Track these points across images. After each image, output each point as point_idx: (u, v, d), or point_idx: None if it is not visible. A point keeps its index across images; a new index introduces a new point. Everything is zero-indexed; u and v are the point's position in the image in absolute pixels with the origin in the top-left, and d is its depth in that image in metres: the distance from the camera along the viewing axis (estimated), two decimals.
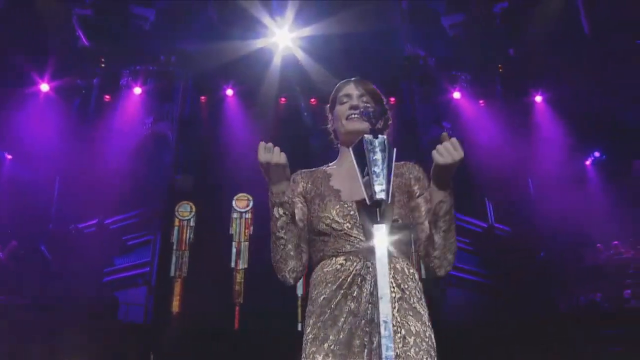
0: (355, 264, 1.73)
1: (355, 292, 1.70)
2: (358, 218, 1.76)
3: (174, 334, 8.60)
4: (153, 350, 7.87)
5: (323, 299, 1.72)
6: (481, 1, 10.35)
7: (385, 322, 1.32)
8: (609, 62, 9.74)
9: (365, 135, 1.50)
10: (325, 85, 10.52)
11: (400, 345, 1.61)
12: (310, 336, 1.68)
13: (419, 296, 1.75)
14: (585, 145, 11.92)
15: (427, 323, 1.70)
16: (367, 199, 1.45)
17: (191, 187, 10.56)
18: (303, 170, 2.06)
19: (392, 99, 11.69)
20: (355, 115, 1.91)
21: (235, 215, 10.88)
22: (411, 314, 1.69)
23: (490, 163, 9.77)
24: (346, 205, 1.80)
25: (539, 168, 11.39)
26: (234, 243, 10.62)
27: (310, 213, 1.85)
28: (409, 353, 1.60)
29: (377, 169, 1.45)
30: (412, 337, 1.64)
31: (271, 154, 1.86)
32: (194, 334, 8.68)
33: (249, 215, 10.91)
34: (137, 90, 10.73)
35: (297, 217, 1.87)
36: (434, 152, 1.75)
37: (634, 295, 9.29)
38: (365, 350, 1.62)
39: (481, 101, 11.53)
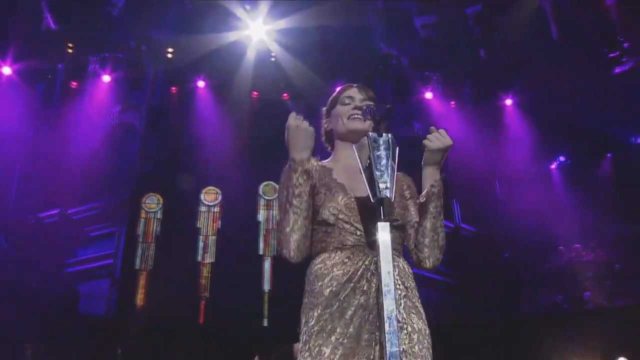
0: (363, 258, 1.74)
1: (365, 286, 1.70)
2: (360, 214, 1.78)
3: (137, 328, 8.55)
4: (115, 343, 7.80)
5: (330, 291, 1.70)
6: (453, 3, 10.54)
7: (389, 318, 1.36)
8: (576, 69, 10.07)
9: (370, 133, 1.53)
10: (299, 80, 10.61)
11: (406, 342, 1.66)
12: (316, 328, 1.66)
13: (418, 295, 1.80)
14: (551, 149, 12.27)
15: (426, 321, 1.76)
16: (370, 196, 1.47)
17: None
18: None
19: None
20: (358, 116, 1.92)
21: (203, 208, 10.87)
22: (414, 311, 1.73)
23: (459, 164, 9.97)
24: (353, 199, 1.80)
25: (506, 170, 11.69)
26: (201, 237, 10.61)
27: (314, 202, 1.81)
28: (414, 349, 1.65)
29: (381, 167, 1.48)
30: (416, 335, 1.68)
31: (301, 121, 1.83)
32: (158, 327, 8.66)
33: (217, 209, 10.90)
34: (106, 78, 10.56)
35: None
36: (425, 140, 1.85)
37: (593, 298, 9.66)
38: (373, 344, 1.63)
39: (452, 102, 11.75)
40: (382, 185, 1.45)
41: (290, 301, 9.11)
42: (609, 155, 12.32)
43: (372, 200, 1.48)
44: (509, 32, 10.33)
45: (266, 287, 10.43)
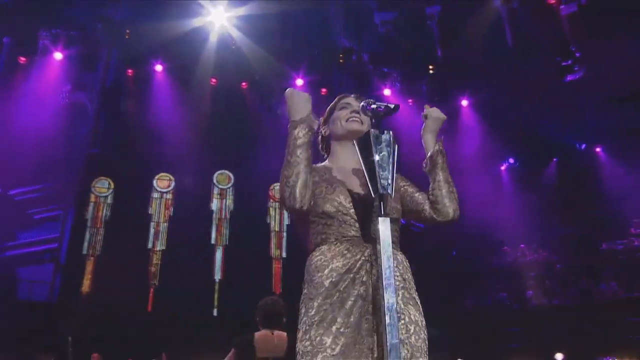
0: (362, 250, 1.81)
1: (364, 277, 1.76)
2: (358, 209, 1.86)
3: (82, 315, 8.47)
4: (59, 329, 7.72)
5: (330, 282, 1.76)
6: (413, 2, 10.80)
7: (389, 310, 1.42)
8: (530, 75, 10.55)
9: (372, 130, 1.61)
10: (259, 68, 10.66)
11: (404, 332, 1.73)
12: (317, 318, 1.71)
13: (415, 288, 1.87)
14: (501, 151, 12.81)
15: (422, 313, 1.83)
16: (372, 191, 1.55)
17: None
18: None
19: (324, 90, 11.99)
20: (356, 118, 2.03)
21: (155, 194, 10.82)
22: (411, 303, 1.81)
23: (412, 161, 10.28)
24: (352, 194, 1.89)
25: (457, 169, 12.11)
26: (152, 223, 10.57)
27: (315, 195, 1.85)
28: (410, 340, 1.73)
29: (383, 163, 1.55)
30: (413, 325, 1.76)
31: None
32: (104, 314, 8.62)
33: (169, 196, 10.87)
34: (58, 55, 10.25)
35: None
36: (427, 109, 2.10)
37: (535, 296, 10.22)
38: (373, 334, 1.70)
39: (410, 100, 12.05)
40: (383, 182, 1.53)
41: (241, 291, 9.37)
42: (555, 159, 13.02)
43: (372, 197, 1.58)
44: (467, 34, 10.69)
45: (217, 276, 10.48)
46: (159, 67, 10.75)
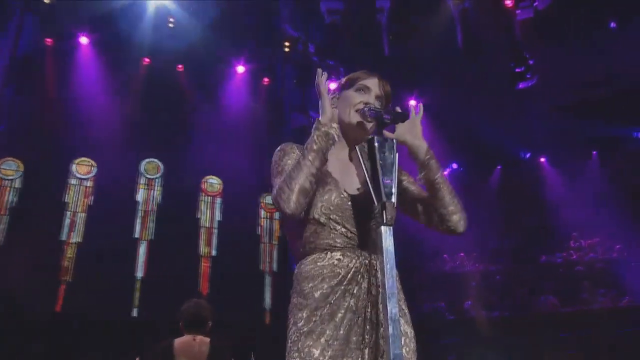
0: (353, 260, 1.81)
1: (355, 290, 1.78)
2: (352, 213, 1.85)
3: None
4: None
5: (320, 293, 1.78)
6: None
7: (392, 320, 1.46)
8: (478, 79, 10.72)
9: (376, 137, 1.63)
10: (197, 52, 10.27)
11: None
12: (305, 329, 1.73)
13: (404, 298, 1.90)
14: (446, 155, 12.97)
15: (411, 324, 1.85)
16: (375, 199, 1.58)
17: None
18: (296, 144, 2.02)
19: (266, 79, 11.76)
20: (366, 112, 1.91)
21: (73, 181, 10.18)
22: (401, 314, 1.80)
23: None
24: (345, 197, 1.87)
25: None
26: (67, 213, 9.93)
27: None
28: (402, 352, 1.70)
29: (386, 171, 1.58)
30: (403, 338, 1.77)
31: (325, 85, 1.89)
32: (5, 313, 7.96)
33: (89, 184, 10.27)
34: None
35: None
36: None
37: (473, 307, 10.35)
38: (362, 347, 1.73)
39: None
40: (386, 190, 1.57)
41: (164, 291, 8.95)
42: (499, 167, 13.33)
43: (368, 201, 1.62)
44: (417, 31, 10.74)
45: (139, 273, 10.07)
46: (84, 40, 10.00)
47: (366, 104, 1.93)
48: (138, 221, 10.47)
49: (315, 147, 1.79)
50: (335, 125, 1.85)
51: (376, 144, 1.62)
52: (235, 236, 10.75)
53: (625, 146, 12.09)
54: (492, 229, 11.78)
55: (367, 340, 1.73)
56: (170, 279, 9.38)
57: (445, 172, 13.35)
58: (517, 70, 9.73)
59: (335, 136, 1.84)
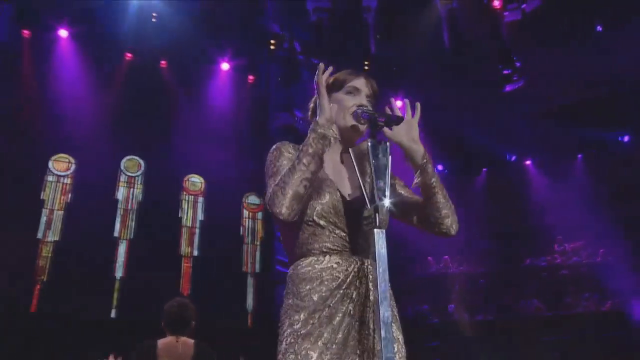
0: (352, 264, 1.83)
1: (354, 294, 1.79)
2: (346, 216, 1.85)
3: None
4: None
5: (319, 296, 1.78)
6: None
7: (385, 324, 1.48)
8: (468, 81, 10.73)
9: (370, 140, 1.64)
10: (183, 46, 10.13)
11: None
12: (303, 331, 1.73)
13: (394, 304, 1.91)
14: (431, 157, 12.98)
15: (401, 330, 1.88)
16: (368, 203, 1.60)
17: None
18: (291, 144, 2.01)
19: (251, 77, 11.66)
20: (360, 114, 1.92)
21: (50, 178, 9.90)
22: (393, 320, 1.83)
23: None
24: (340, 200, 1.87)
25: None
26: (44, 210, 9.66)
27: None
28: (395, 358, 1.75)
29: (379, 174, 1.60)
30: (396, 344, 1.81)
31: (324, 84, 1.88)
32: None
33: (68, 181, 10.00)
34: None
35: None
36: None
37: (457, 310, 10.36)
38: (359, 351, 1.74)
39: None
40: (380, 193, 1.58)
41: (144, 291, 8.81)
42: (484, 169, 13.37)
43: (363, 204, 1.65)
44: (404, 31, 10.72)
45: (118, 273, 9.84)
46: (63, 33, 9.77)
47: (359, 106, 1.94)
48: (118, 220, 10.24)
49: (310, 150, 1.78)
50: (333, 127, 1.84)
51: (370, 147, 1.62)
52: (217, 236, 10.61)
53: (610, 149, 12.19)
54: (477, 231, 11.81)
55: (364, 345, 1.74)
56: (151, 279, 9.19)
57: None
58: (505, 72, 9.75)
59: (332, 138, 1.83)
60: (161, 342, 3.47)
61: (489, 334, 9.34)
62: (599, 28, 9.61)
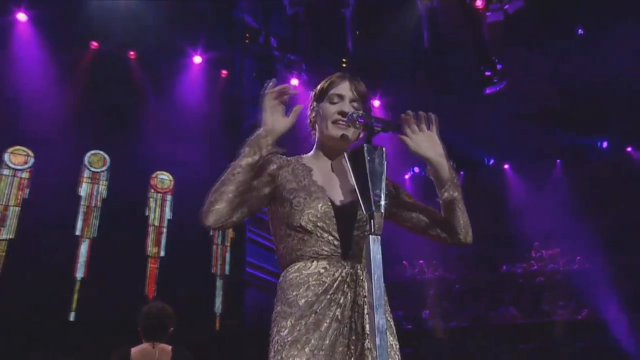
0: (340, 270, 1.82)
1: (341, 299, 1.79)
2: (337, 222, 1.86)
3: None
4: None
5: (305, 302, 1.78)
6: None
7: (380, 332, 1.48)
8: (444, 81, 10.70)
9: (365, 145, 1.63)
10: (152, 36, 9.87)
11: None
12: (290, 338, 1.73)
13: (389, 310, 1.90)
14: (407, 159, 12.91)
15: (396, 336, 1.89)
16: (363, 209, 1.59)
17: None
18: (279, 154, 2.01)
19: (224, 72, 11.43)
20: (342, 123, 1.96)
21: (6, 171, 9.52)
22: (387, 326, 1.80)
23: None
24: (331, 206, 1.88)
25: None
26: None
27: (291, 206, 1.88)
28: None
29: (375, 180, 1.59)
30: (390, 351, 1.81)
31: (271, 95, 1.91)
32: None
33: (25, 175, 9.62)
34: None
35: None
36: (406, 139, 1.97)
37: (431, 317, 10.27)
38: (347, 357, 1.75)
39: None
40: (376, 199, 1.57)
41: (106, 293, 8.48)
42: (461, 173, 13.34)
43: (354, 210, 1.77)
44: (383, 29, 10.64)
45: (79, 274, 9.52)
46: (22, 16, 9.39)
47: (340, 112, 1.95)
48: (80, 217, 9.91)
49: (242, 162, 1.82)
50: (269, 138, 1.86)
51: (365, 152, 1.61)
52: (185, 236, 10.28)
53: (589, 156, 12.29)
54: None
55: (352, 351, 1.75)
56: (114, 280, 8.95)
57: (407, 176, 13.45)
58: (487, 73, 9.73)
59: (265, 150, 1.85)
60: (135, 351, 3.32)
61: (463, 341, 9.29)
62: (580, 31, 9.65)
